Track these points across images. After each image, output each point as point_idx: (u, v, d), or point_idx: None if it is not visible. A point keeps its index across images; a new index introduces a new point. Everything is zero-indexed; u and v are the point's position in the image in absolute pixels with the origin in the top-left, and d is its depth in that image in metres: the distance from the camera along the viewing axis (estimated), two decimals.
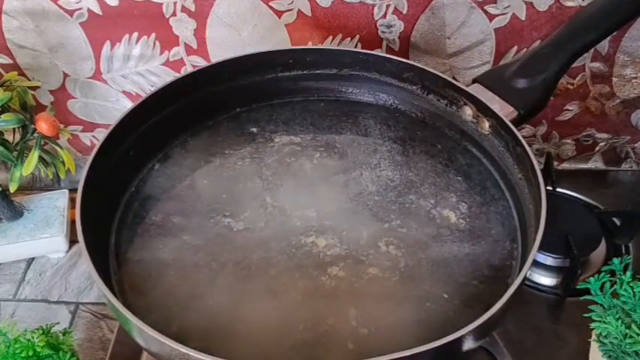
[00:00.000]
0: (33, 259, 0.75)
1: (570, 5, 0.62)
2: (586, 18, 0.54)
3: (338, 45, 0.67)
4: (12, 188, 0.66)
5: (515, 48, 0.67)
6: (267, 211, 0.52)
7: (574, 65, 0.58)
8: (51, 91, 0.74)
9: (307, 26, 0.66)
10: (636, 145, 0.77)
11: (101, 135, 0.51)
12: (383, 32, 0.66)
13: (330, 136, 0.59)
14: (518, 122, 0.53)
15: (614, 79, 0.69)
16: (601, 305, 0.51)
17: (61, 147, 0.68)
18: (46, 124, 0.64)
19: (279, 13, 0.65)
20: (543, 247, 0.59)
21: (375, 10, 0.64)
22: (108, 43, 0.69)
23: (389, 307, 0.45)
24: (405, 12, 0.64)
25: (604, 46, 0.66)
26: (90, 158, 0.48)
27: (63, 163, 0.69)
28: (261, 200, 0.53)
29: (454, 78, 0.58)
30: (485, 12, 0.64)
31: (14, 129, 0.65)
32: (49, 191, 0.78)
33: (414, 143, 0.58)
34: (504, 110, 0.53)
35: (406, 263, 0.48)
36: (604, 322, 0.48)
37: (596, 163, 0.80)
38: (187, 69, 0.71)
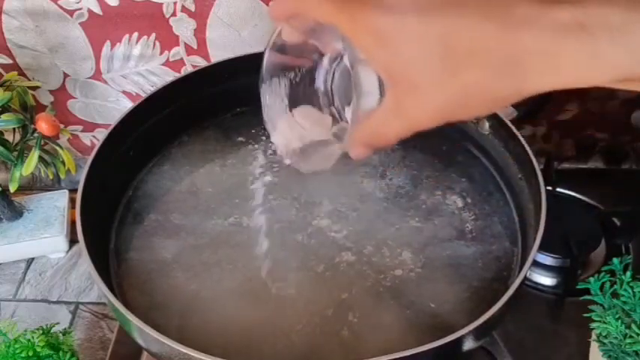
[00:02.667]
0: (33, 259, 0.75)
1: None
2: None
3: None
4: (12, 188, 0.66)
5: None
6: (269, 211, 0.52)
7: None
8: (51, 91, 0.74)
9: None
10: (636, 145, 0.77)
11: (101, 135, 0.52)
12: None
13: None
14: (518, 122, 0.53)
15: None
16: (601, 305, 0.51)
17: (61, 147, 0.68)
18: (46, 124, 0.64)
19: None
20: (543, 247, 0.59)
21: None
22: (108, 43, 0.69)
23: (389, 306, 0.45)
24: None
25: None
26: (90, 158, 0.48)
27: (63, 163, 0.69)
28: (262, 200, 0.53)
29: None
30: None
31: (14, 129, 0.65)
32: (49, 191, 0.78)
33: (413, 143, 0.58)
34: (504, 110, 0.53)
35: (405, 263, 0.48)
36: (604, 322, 0.48)
37: (596, 163, 0.80)
38: (187, 69, 0.71)
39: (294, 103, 0.37)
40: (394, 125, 0.28)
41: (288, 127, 0.38)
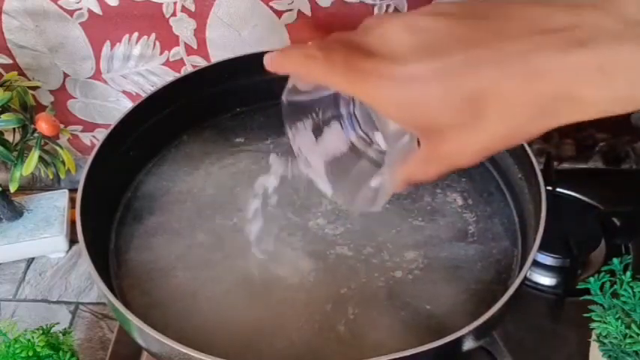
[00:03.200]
0: (33, 259, 0.75)
1: None
2: None
3: None
4: (12, 188, 0.66)
5: None
6: (269, 211, 0.52)
7: None
8: (51, 91, 0.74)
9: (307, 26, 0.66)
10: (636, 145, 0.77)
11: (101, 135, 0.52)
12: None
13: None
14: None
15: None
16: (601, 305, 0.51)
17: (61, 147, 0.68)
18: (46, 124, 0.64)
19: (279, 13, 0.65)
20: (543, 247, 0.59)
21: (375, 10, 0.64)
22: (108, 43, 0.69)
23: (388, 305, 0.45)
24: (405, 12, 0.64)
25: None
26: (90, 158, 0.48)
27: (63, 163, 0.69)
28: (263, 200, 0.53)
29: None
30: None
31: (14, 129, 0.65)
32: (49, 191, 0.78)
33: None
34: None
35: (405, 264, 0.48)
36: (604, 322, 0.48)
37: (596, 163, 0.80)
38: (187, 69, 0.71)
39: (321, 136, 0.38)
40: (432, 169, 0.30)
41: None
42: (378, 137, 0.36)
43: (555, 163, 0.76)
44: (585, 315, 0.50)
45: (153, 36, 0.68)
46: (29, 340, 0.53)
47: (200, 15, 0.65)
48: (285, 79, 0.36)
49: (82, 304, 0.70)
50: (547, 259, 0.63)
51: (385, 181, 0.35)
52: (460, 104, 0.25)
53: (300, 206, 0.52)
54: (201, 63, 0.70)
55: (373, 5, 0.63)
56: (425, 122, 0.26)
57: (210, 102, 0.60)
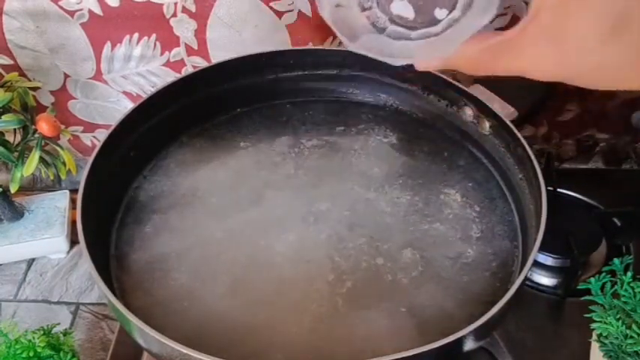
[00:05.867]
0: (34, 259, 0.75)
1: None
2: None
3: (338, 46, 0.67)
4: (13, 189, 0.66)
5: None
6: (270, 212, 0.52)
7: None
8: (51, 92, 0.74)
9: (308, 27, 0.66)
10: (636, 145, 0.77)
11: (102, 135, 0.52)
12: None
13: (331, 138, 0.59)
14: (518, 122, 0.53)
15: None
16: (601, 305, 0.51)
17: (61, 147, 0.68)
18: (47, 124, 0.64)
19: (279, 14, 0.65)
20: (544, 248, 0.58)
21: None
22: (108, 43, 0.69)
23: (390, 306, 0.45)
24: None
25: None
26: (91, 159, 0.48)
27: (64, 163, 0.69)
28: (264, 201, 0.53)
29: (454, 78, 0.58)
30: None
31: (15, 130, 0.65)
32: (49, 192, 0.78)
33: (414, 144, 0.59)
34: (505, 110, 0.53)
35: (406, 264, 0.48)
36: (604, 323, 0.48)
37: (596, 164, 0.80)
38: (188, 69, 0.71)
39: None
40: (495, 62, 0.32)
41: None
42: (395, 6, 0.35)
43: (556, 164, 0.76)
44: (586, 315, 0.50)
45: (153, 37, 0.68)
46: (30, 341, 0.53)
47: (200, 15, 0.66)
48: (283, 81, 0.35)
49: (83, 304, 0.70)
50: (548, 260, 0.63)
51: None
52: (606, 18, 0.26)
53: (301, 205, 0.52)
54: (202, 64, 0.70)
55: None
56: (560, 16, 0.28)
57: (210, 102, 0.60)
